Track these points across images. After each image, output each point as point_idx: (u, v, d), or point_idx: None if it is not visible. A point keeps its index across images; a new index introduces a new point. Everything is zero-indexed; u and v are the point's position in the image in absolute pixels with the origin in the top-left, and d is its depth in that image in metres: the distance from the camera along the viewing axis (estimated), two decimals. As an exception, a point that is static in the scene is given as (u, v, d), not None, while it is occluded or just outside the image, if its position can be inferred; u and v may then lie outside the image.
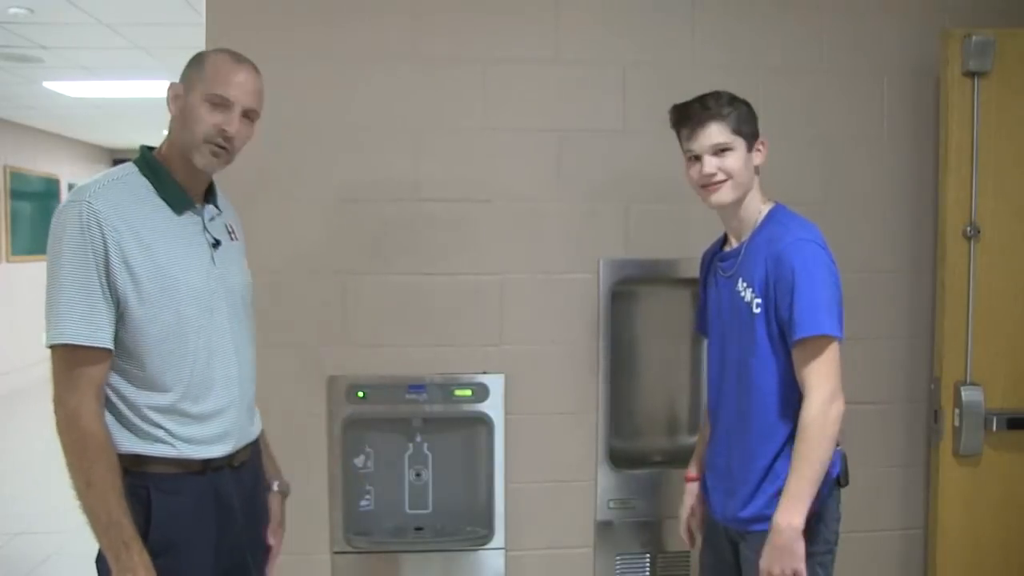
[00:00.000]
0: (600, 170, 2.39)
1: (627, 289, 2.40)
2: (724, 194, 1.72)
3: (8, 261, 7.57)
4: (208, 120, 1.52)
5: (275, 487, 1.82)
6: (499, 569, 2.37)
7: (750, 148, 1.74)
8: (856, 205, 2.46)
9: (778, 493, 1.67)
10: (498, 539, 2.37)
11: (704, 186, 1.73)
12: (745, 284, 1.73)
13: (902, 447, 2.51)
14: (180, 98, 1.56)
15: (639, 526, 2.41)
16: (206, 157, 1.54)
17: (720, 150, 1.71)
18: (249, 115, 1.58)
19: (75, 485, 1.44)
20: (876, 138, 2.46)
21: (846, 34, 2.44)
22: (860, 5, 2.45)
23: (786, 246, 1.66)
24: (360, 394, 2.30)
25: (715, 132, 1.71)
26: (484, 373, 2.35)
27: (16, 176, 7.82)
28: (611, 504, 2.40)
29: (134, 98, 6.42)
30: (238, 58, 1.59)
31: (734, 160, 1.71)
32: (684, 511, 1.99)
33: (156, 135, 8.15)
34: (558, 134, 2.37)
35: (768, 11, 2.42)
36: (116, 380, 1.49)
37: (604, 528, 2.40)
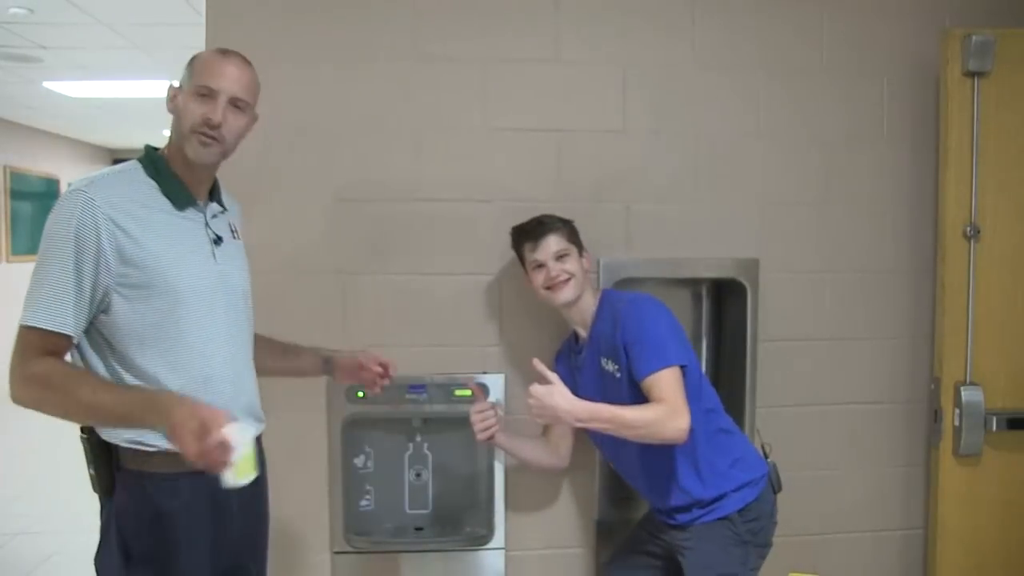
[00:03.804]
0: (600, 170, 2.39)
1: (627, 288, 2.39)
2: (568, 291, 2.02)
3: (8, 261, 7.58)
4: (195, 111, 1.55)
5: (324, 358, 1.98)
6: (499, 569, 2.37)
7: (581, 254, 2.07)
8: (856, 205, 2.46)
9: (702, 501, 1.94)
10: (498, 539, 2.37)
11: (549, 287, 2.03)
12: (606, 359, 1.99)
13: (902, 447, 2.52)
14: (175, 97, 1.60)
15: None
16: (195, 148, 1.56)
17: (560, 256, 2.03)
18: (238, 104, 1.58)
19: (72, 418, 1.47)
20: (876, 138, 2.46)
21: (846, 34, 2.44)
22: (860, 5, 2.45)
23: (621, 307, 1.98)
24: (360, 394, 2.29)
25: (553, 242, 2.04)
26: (484, 373, 2.35)
27: (16, 176, 7.82)
28: (611, 504, 2.40)
29: (134, 98, 6.43)
30: (225, 51, 1.62)
31: (572, 263, 2.04)
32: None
33: (156, 135, 8.15)
34: (558, 134, 2.37)
35: (768, 11, 2.42)
36: (112, 371, 1.51)
37: (604, 528, 2.40)
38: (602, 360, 2.01)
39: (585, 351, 2.08)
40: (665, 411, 1.79)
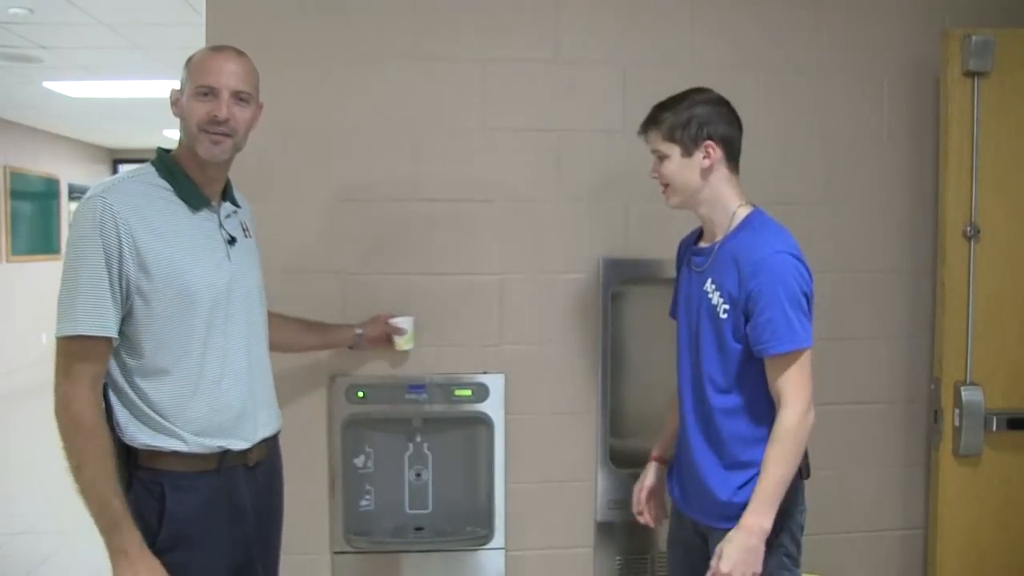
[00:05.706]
0: (600, 170, 2.39)
1: (627, 289, 2.40)
2: (668, 198, 1.80)
3: (8, 261, 7.57)
4: (199, 110, 1.57)
5: (358, 331, 2.21)
6: (499, 569, 2.37)
7: (689, 153, 1.73)
8: (856, 205, 2.46)
9: (741, 488, 1.70)
10: (498, 539, 2.37)
11: None
12: (714, 286, 1.74)
13: (902, 447, 2.51)
14: (178, 100, 1.62)
15: (639, 526, 2.40)
16: (205, 146, 1.58)
17: (658, 157, 1.77)
18: (241, 96, 1.60)
19: (69, 466, 1.48)
20: (876, 138, 2.46)
21: (846, 34, 2.44)
22: (860, 5, 2.45)
23: (761, 259, 1.66)
24: (360, 394, 2.30)
25: (652, 139, 1.77)
26: (484, 373, 2.35)
27: (16, 176, 7.81)
28: (611, 504, 2.40)
29: (134, 98, 6.42)
30: (218, 47, 1.64)
31: (668, 166, 1.75)
32: (639, 487, 2.04)
33: (156, 135, 8.17)
34: (558, 134, 2.37)
35: (768, 11, 2.42)
36: (129, 374, 1.53)
37: (604, 528, 2.40)
38: (709, 283, 1.74)
39: (702, 259, 1.80)
40: (794, 420, 1.62)
